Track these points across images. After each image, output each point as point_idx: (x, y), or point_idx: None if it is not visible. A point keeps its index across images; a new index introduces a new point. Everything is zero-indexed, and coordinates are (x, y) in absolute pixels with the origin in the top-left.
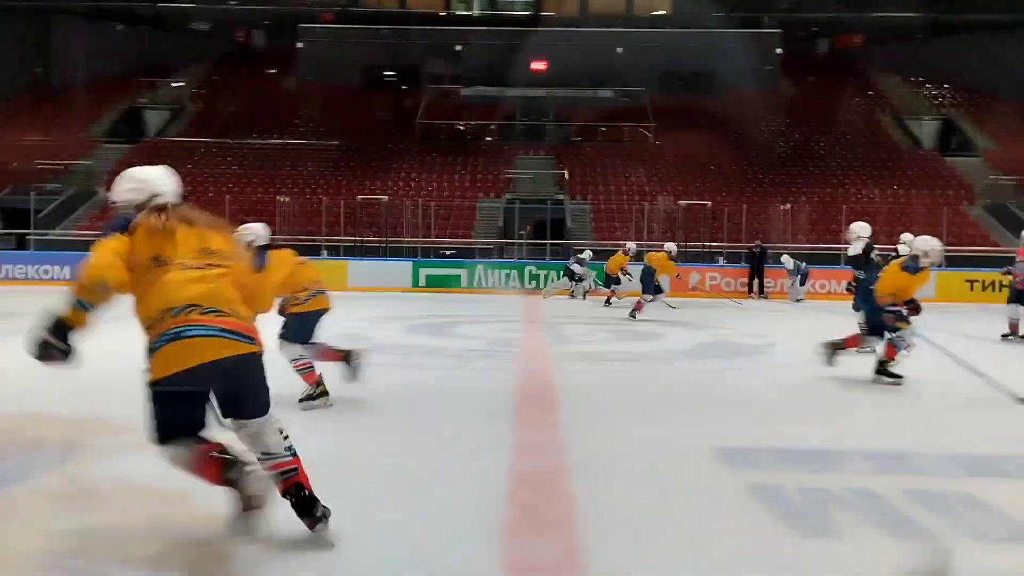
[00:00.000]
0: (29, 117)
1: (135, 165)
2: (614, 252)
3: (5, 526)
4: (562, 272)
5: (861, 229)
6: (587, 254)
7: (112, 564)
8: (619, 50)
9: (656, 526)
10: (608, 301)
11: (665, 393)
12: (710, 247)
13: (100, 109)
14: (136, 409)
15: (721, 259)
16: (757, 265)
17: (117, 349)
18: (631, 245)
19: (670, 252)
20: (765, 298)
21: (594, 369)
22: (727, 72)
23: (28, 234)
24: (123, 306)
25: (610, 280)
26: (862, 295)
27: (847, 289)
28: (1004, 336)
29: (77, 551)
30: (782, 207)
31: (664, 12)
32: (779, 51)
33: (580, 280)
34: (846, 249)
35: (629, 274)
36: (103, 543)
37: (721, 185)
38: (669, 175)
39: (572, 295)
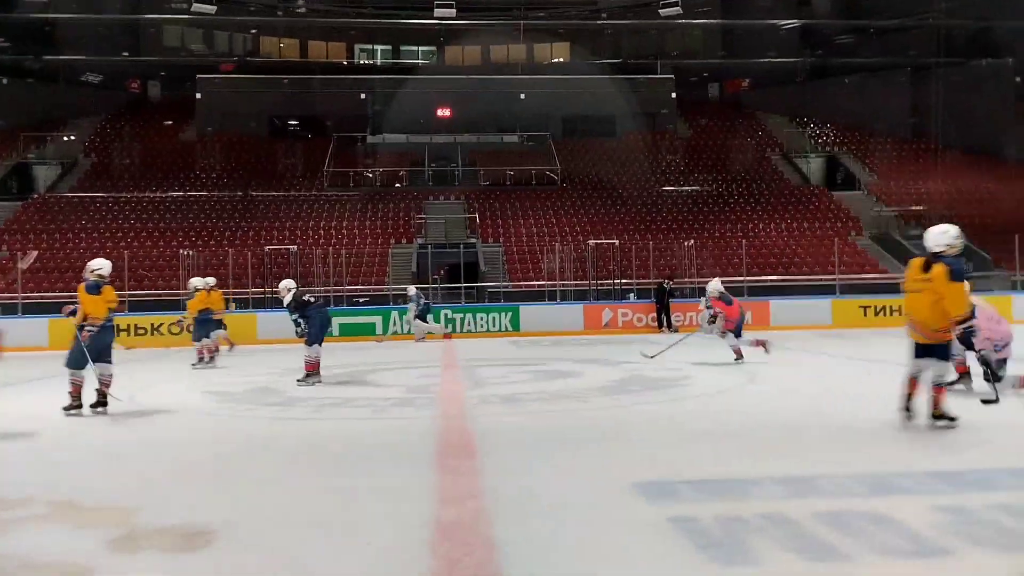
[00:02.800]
0: None
1: (25, 222)
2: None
3: None
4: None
5: (289, 283)
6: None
7: None
8: (522, 96)
9: (580, 564)
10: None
11: (583, 430)
12: (620, 284)
13: None
14: (30, 481)
15: (632, 295)
16: (665, 300)
17: None
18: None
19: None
20: (675, 332)
21: (512, 411)
22: (626, 116)
23: None
24: (7, 374)
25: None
26: (316, 329)
27: None
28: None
29: None
30: (686, 243)
31: (562, 59)
32: (673, 95)
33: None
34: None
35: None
36: None
37: (628, 224)
38: (577, 215)
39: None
